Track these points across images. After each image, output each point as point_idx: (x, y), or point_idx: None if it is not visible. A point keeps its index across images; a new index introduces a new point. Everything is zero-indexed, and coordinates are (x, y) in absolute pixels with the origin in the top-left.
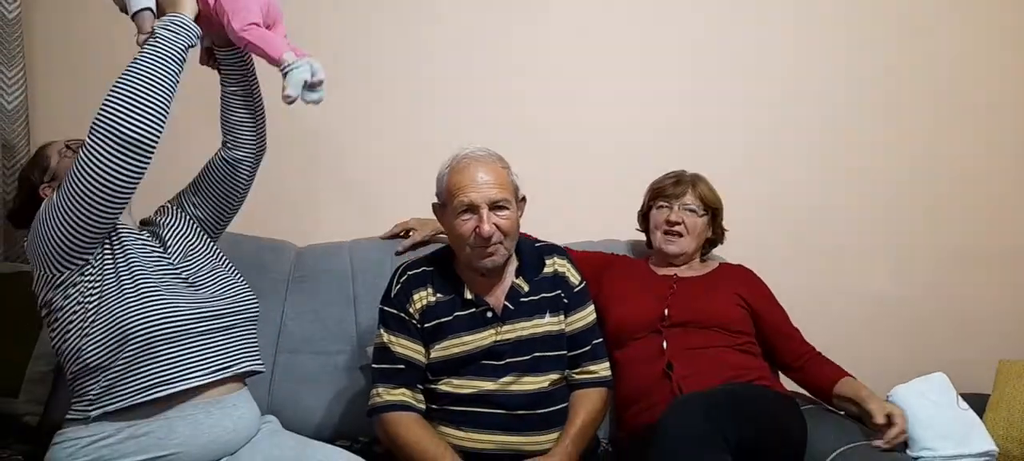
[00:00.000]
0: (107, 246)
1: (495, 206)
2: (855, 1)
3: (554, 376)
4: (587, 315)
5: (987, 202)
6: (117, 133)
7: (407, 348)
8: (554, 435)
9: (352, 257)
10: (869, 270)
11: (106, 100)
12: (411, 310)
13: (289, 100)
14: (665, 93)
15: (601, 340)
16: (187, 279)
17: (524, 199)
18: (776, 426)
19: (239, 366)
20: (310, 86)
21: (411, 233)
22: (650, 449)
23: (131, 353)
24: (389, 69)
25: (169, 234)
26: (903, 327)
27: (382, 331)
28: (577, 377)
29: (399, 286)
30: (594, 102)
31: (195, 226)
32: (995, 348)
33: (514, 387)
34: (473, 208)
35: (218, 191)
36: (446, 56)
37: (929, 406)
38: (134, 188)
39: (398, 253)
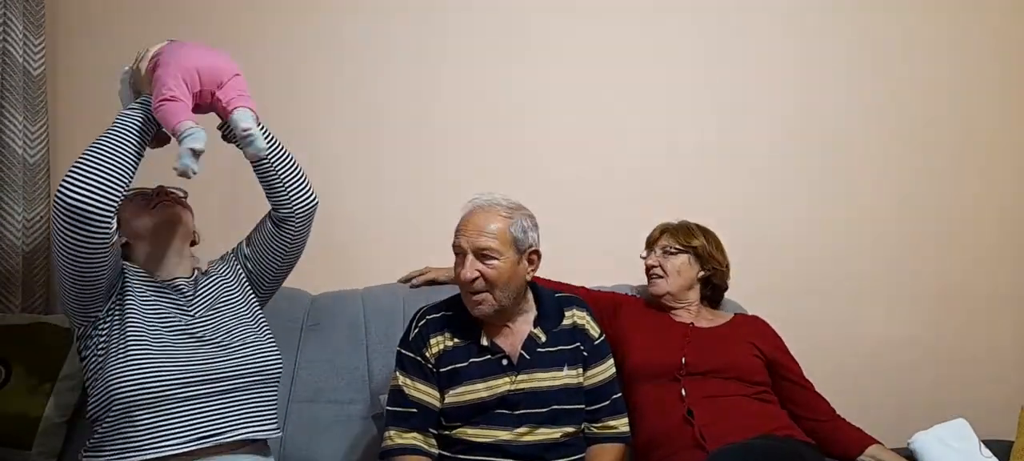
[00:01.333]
0: (115, 301)
1: (480, 254)
2: (859, 44)
3: (569, 429)
4: (607, 369)
5: (1011, 246)
6: (62, 204)
7: (422, 392)
8: None
9: (365, 304)
10: (889, 313)
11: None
12: (428, 354)
13: (178, 172)
14: (682, 140)
15: (620, 395)
16: (199, 336)
17: (536, 253)
18: None
19: (234, 434)
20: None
21: (427, 271)
22: None
23: (114, 415)
24: (404, 116)
25: (206, 286)
26: (924, 371)
27: (398, 373)
28: (595, 431)
29: (417, 330)
30: (603, 148)
31: (243, 280)
32: (1018, 394)
33: (528, 438)
34: (462, 252)
35: (265, 248)
36: (460, 103)
37: (951, 453)
38: (97, 258)
39: (409, 284)
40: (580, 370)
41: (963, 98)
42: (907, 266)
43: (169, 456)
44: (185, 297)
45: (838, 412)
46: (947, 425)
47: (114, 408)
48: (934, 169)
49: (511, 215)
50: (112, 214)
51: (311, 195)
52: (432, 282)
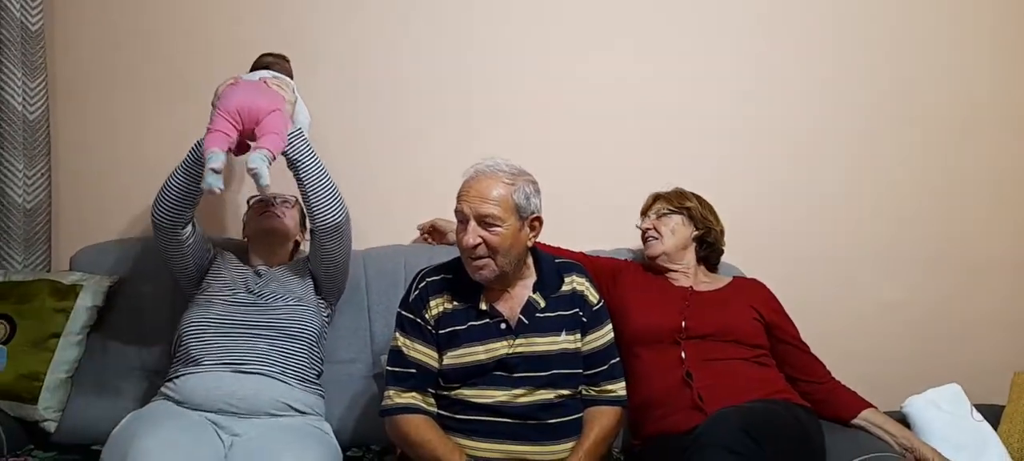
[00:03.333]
0: (204, 281)
1: (482, 221)
2: (871, 12)
3: (565, 392)
4: (605, 334)
5: (1005, 211)
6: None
7: (421, 353)
8: (565, 446)
9: (366, 266)
10: (883, 280)
11: None
12: (427, 316)
13: (204, 189)
14: (677, 106)
15: (618, 359)
16: (251, 302)
17: (538, 219)
18: (806, 441)
19: (251, 366)
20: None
21: (437, 222)
22: (684, 459)
23: (180, 345)
24: (410, 80)
25: (279, 272)
26: (917, 337)
27: (398, 334)
28: (593, 394)
29: (417, 292)
30: (603, 112)
31: (307, 276)
32: (1010, 359)
33: (524, 399)
34: (464, 218)
35: (312, 256)
36: (466, 68)
37: (943, 417)
38: (176, 255)
39: (418, 229)
40: (578, 335)
41: (957, 66)
42: (903, 232)
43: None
44: (259, 278)
45: (834, 375)
46: (940, 390)
47: (180, 339)
48: (929, 136)
49: (514, 181)
50: (178, 225)
51: (333, 216)
52: (433, 228)
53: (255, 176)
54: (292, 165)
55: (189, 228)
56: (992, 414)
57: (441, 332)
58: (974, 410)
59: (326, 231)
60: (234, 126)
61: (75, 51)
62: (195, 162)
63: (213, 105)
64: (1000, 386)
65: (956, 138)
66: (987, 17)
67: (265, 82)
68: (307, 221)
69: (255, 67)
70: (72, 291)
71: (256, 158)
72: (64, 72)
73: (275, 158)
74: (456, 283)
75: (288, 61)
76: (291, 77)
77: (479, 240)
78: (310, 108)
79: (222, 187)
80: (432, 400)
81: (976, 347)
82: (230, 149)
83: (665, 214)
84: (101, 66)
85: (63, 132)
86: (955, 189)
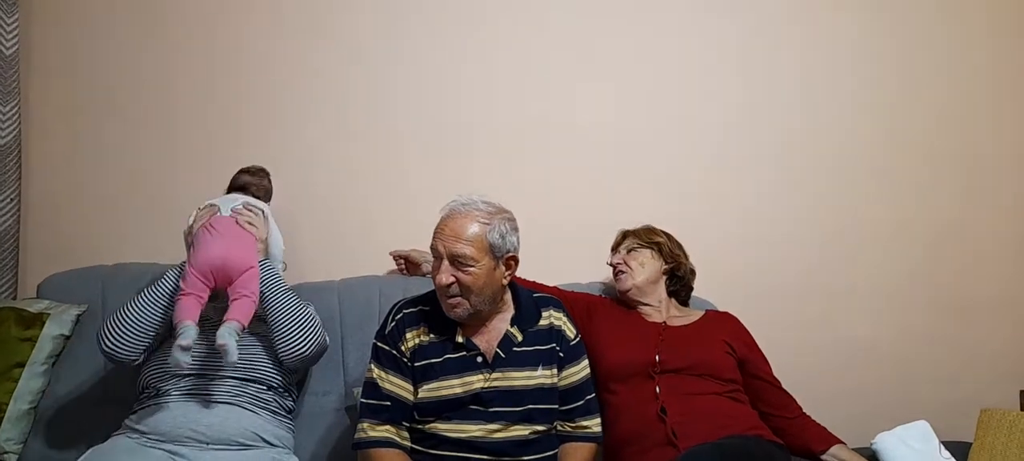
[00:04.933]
0: None
1: (455, 260)
2: (838, 49)
3: (541, 427)
4: (582, 369)
5: (972, 251)
6: (100, 348)
7: (396, 385)
8: None
9: (341, 297)
10: (853, 317)
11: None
12: (403, 348)
13: (171, 364)
14: (650, 143)
15: (594, 395)
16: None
17: (514, 259)
18: None
19: (217, 398)
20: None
21: (411, 254)
22: None
23: (140, 387)
24: (389, 114)
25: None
26: (887, 374)
27: (373, 366)
28: (569, 430)
29: (393, 323)
30: (579, 149)
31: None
32: (977, 397)
33: (500, 435)
34: (439, 256)
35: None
36: (446, 105)
37: (912, 454)
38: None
39: (392, 255)
40: (554, 370)
41: (933, 103)
42: (875, 271)
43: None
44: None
45: (805, 411)
46: (909, 426)
47: (145, 375)
48: (902, 174)
49: (490, 220)
50: (138, 353)
51: (300, 350)
52: (408, 259)
53: (223, 351)
54: (261, 298)
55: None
56: (960, 451)
57: (417, 364)
58: (942, 447)
59: (289, 362)
60: (207, 286)
61: (49, 78)
62: (161, 297)
63: (186, 244)
64: (968, 424)
65: (926, 179)
66: (959, 45)
67: (237, 220)
68: None
69: (232, 186)
70: (38, 319)
71: (225, 333)
72: (37, 98)
73: (245, 328)
74: (433, 315)
75: (267, 176)
76: (270, 194)
77: (452, 280)
78: (281, 138)
79: (190, 363)
80: (406, 434)
81: (945, 385)
82: (201, 313)
83: (634, 249)
84: (75, 93)
85: (34, 158)
86: (929, 230)
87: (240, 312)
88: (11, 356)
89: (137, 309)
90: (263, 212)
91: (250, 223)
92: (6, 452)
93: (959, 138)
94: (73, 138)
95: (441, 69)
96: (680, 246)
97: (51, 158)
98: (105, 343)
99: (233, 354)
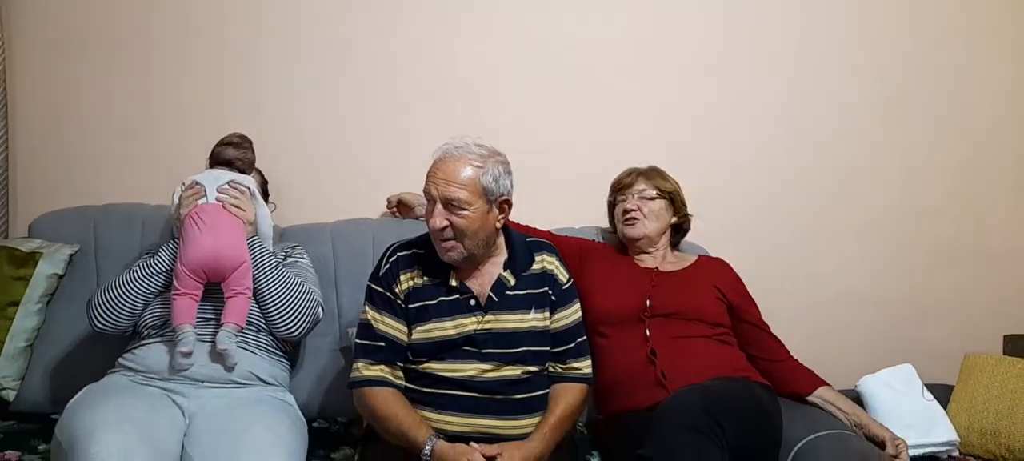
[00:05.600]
0: None
1: (449, 204)
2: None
3: (533, 368)
4: (573, 313)
5: (957, 199)
6: (90, 323)
7: (390, 326)
8: (531, 420)
9: (334, 240)
10: (840, 263)
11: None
12: (397, 290)
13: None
14: (649, 89)
15: (585, 338)
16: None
17: (507, 202)
18: (764, 420)
19: (213, 337)
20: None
21: (405, 197)
22: (645, 435)
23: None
24: (381, 55)
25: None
26: (873, 319)
27: (367, 308)
28: (560, 371)
29: (387, 266)
30: (572, 89)
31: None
32: (962, 341)
33: (492, 375)
34: (432, 199)
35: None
36: (436, 43)
37: (895, 396)
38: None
39: (387, 201)
40: (547, 313)
41: (925, 52)
42: (864, 218)
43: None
44: None
45: (793, 355)
46: (893, 370)
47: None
48: (891, 124)
49: (483, 163)
50: (130, 325)
51: (292, 329)
52: (401, 202)
53: (225, 355)
54: (258, 290)
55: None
56: (943, 393)
57: (410, 306)
58: (925, 390)
59: (285, 338)
60: (199, 283)
61: (35, 8)
62: (152, 277)
63: (175, 223)
64: (952, 368)
65: (911, 126)
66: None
67: (223, 204)
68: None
69: (215, 160)
70: (31, 259)
71: (224, 337)
72: (24, 30)
73: (242, 328)
74: (426, 259)
75: (250, 146)
76: (252, 164)
77: (446, 223)
78: (276, 82)
79: (192, 364)
80: (400, 373)
81: (931, 330)
82: (196, 307)
83: (649, 199)
84: (63, 23)
85: (21, 93)
86: (911, 177)
87: (236, 313)
88: (5, 295)
89: (128, 288)
90: (249, 189)
91: (236, 206)
92: (4, 389)
93: (958, 85)
94: (59, 77)
95: (433, 11)
96: (681, 190)
97: (37, 97)
98: (98, 321)
99: (234, 357)
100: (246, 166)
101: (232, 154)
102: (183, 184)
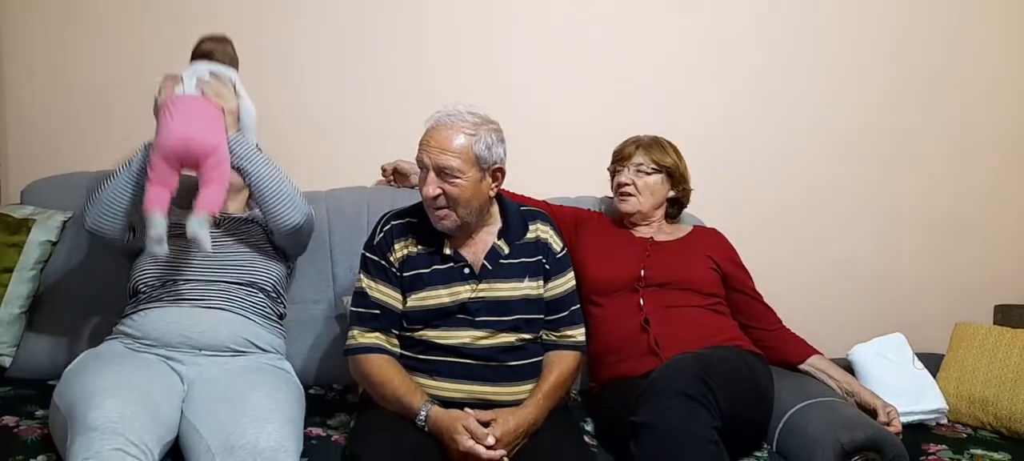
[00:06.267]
0: None
1: (441, 172)
2: None
3: (527, 336)
4: (568, 282)
5: (948, 168)
6: (83, 226)
7: (385, 294)
8: (525, 387)
9: (329, 208)
10: (832, 232)
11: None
12: (391, 258)
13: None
14: (643, 54)
15: (578, 306)
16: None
17: (500, 170)
18: (756, 388)
19: (207, 303)
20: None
21: (399, 164)
22: (638, 402)
23: (132, 284)
24: (372, 21)
25: (239, 221)
26: (865, 288)
27: (362, 276)
28: (554, 339)
29: (382, 234)
30: (567, 56)
31: (263, 229)
32: (952, 311)
33: (485, 342)
34: (425, 167)
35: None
36: (429, 8)
37: (886, 364)
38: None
39: (381, 169)
40: (540, 282)
41: (920, 24)
42: (856, 188)
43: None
44: (216, 228)
45: (785, 324)
46: (884, 339)
47: (137, 277)
48: (885, 94)
49: (475, 131)
50: (120, 230)
51: (286, 218)
52: (396, 170)
53: (195, 242)
54: (239, 172)
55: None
56: (933, 362)
57: (405, 275)
58: (916, 359)
59: (281, 232)
60: (173, 170)
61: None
62: (133, 175)
63: (155, 113)
64: (943, 337)
65: (900, 95)
66: None
67: (203, 92)
68: None
69: (195, 54)
70: (24, 225)
71: (195, 223)
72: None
73: (215, 215)
74: (420, 227)
75: (230, 43)
76: (235, 62)
77: (439, 191)
78: (270, 49)
79: (167, 252)
80: (395, 341)
81: (923, 300)
82: (171, 198)
83: (646, 173)
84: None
85: (12, 59)
86: (902, 145)
87: (208, 201)
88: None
89: (112, 188)
90: (232, 82)
91: (217, 93)
92: (0, 355)
93: (954, 57)
94: (50, 42)
95: None
96: (684, 162)
97: (28, 62)
98: (86, 221)
99: (206, 244)
100: (226, 60)
101: (211, 47)
102: (166, 75)
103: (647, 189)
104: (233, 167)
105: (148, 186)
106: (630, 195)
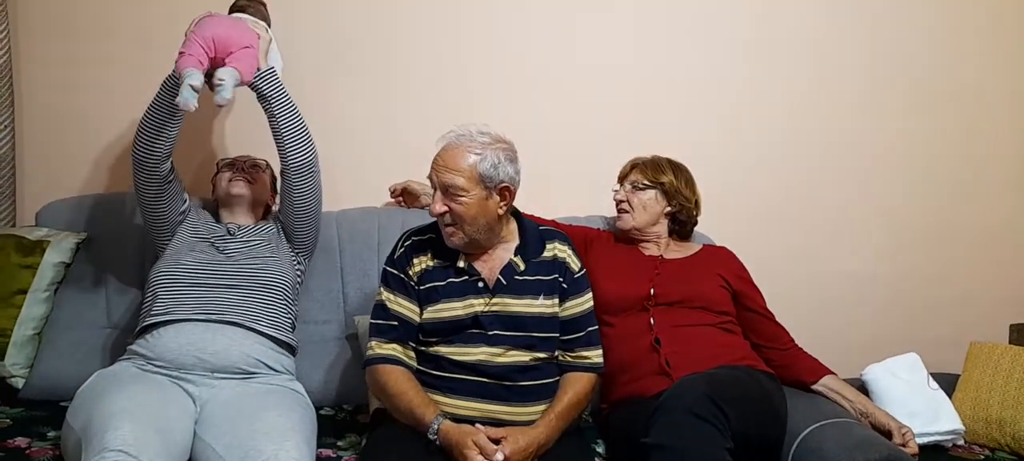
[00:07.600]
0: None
1: (447, 190)
2: None
3: (541, 355)
4: (585, 302)
5: (963, 187)
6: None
7: (403, 307)
8: (538, 408)
9: (339, 228)
10: (845, 250)
11: None
12: (411, 272)
13: (179, 105)
14: (653, 75)
15: (596, 328)
16: (223, 258)
17: (507, 189)
18: (769, 408)
19: (224, 316)
20: (211, 85)
21: (409, 185)
22: (650, 423)
23: (148, 297)
24: (388, 42)
25: (252, 230)
26: (878, 307)
27: (382, 289)
28: (569, 359)
29: (403, 249)
30: (580, 81)
31: (279, 233)
32: (967, 329)
33: (500, 359)
34: (434, 187)
35: (282, 202)
36: (446, 30)
37: (900, 385)
38: (156, 199)
39: (390, 190)
40: (556, 300)
41: (939, 42)
42: (870, 206)
43: (173, 321)
44: (231, 235)
45: (797, 343)
46: (898, 358)
47: (151, 291)
48: (897, 113)
49: (482, 151)
50: (158, 160)
51: (303, 152)
52: (406, 190)
53: (218, 86)
54: (263, 99)
55: (168, 164)
56: (948, 382)
57: (422, 288)
58: (931, 379)
59: (297, 168)
60: (207, 53)
61: (43, 85)
62: (170, 89)
63: (186, 34)
64: (957, 357)
65: (916, 112)
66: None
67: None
68: (279, 160)
69: (231, 12)
70: (38, 247)
71: (225, 71)
72: (29, 19)
73: (242, 82)
74: (437, 243)
75: (264, 4)
76: (268, 22)
77: (445, 209)
78: (285, 73)
79: (197, 105)
80: (412, 354)
81: (937, 319)
82: (202, 73)
83: (640, 189)
84: (67, 13)
85: (28, 81)
86: (916, 162)
87: (242, 65)
88: (12, 283)
89: (151, 108)
90: (267, 31)
91: (254, 25)
92: (13, 376)
93: (953, 71)
94: (67, 61)
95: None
96: (688, 181)
97: (45, 83)
98: (134, 150)
99: (227, 91)
100: (260, 17)
101: (244, 3)
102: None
103: (640, 205)
104: (260, 92)
105: (179, 59)
106: (624, 212)
